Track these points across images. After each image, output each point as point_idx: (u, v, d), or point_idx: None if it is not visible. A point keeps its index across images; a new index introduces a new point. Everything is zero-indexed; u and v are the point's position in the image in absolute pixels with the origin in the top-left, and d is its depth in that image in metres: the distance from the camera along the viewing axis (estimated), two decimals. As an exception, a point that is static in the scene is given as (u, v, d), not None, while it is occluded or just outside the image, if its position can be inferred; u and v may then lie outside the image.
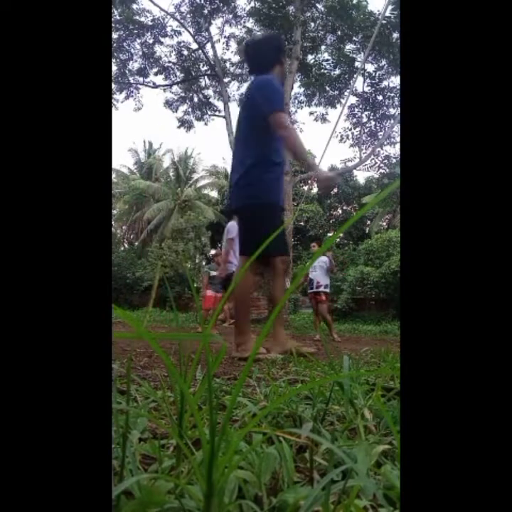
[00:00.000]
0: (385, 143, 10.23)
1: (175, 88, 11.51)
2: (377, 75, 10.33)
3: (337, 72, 10.67)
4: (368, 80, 10.41)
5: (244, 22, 10.61)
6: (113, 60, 10.16)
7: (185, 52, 10.98)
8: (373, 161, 10.52)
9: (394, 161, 10.28)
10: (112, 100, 10.27)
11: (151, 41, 10.64)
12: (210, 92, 11.65)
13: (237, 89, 12.13)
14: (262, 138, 1.93)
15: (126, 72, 10.89)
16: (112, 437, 0.44)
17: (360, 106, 10.69)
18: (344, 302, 11.71)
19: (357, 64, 10.31)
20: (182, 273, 13.36)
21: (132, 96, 11.24)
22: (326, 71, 10.68)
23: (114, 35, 10.01)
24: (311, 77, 10.75)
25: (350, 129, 10.87)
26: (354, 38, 10.05)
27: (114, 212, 20.94)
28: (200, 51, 10.82)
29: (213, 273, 6.30)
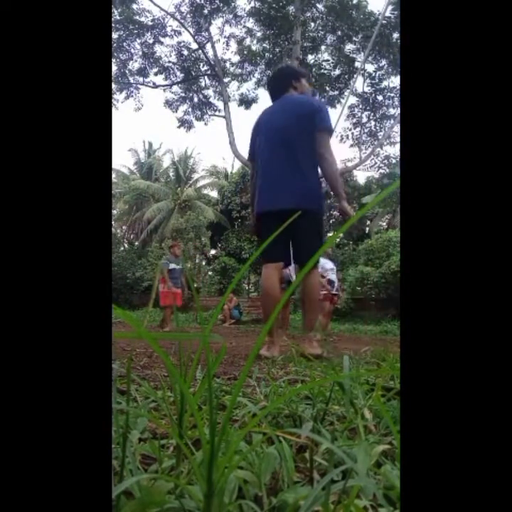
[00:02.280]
0: (385, 143, 10.24)
1: (175, 88, 11.51)
2: (377, 75, 10.33)
3: (337, 72, 10.68)
4: (368, 80, 10.41)
5: (244, 22, 10.60)
6: (113, 60, 10.16)
7: (185, 52, 10.98)
8: (373, 161, 10.53)
9: (394, 161, 10.28)
10: (112, 100, 10.27)
11: (151, 41, 10.64)
12: (210, 92, 11.65)
13: (237, 89, 12.17)
14: (313, 149, 2.06)
15: (126, 72, 10.89)
16: (112, 437, 0.44)
17: (360, 106, 10.70)
18: (344, 302, 11.71)
19: (357, 64, 10.31)
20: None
21: (132, 96, 11.24)
22: (326, 71, 10.68)
23: (114, 35, 10.00)
24: (311, 77, 10.74)
25: (350, 129, 10.88)
26: (354, 38, 10.05)
27: (114, 212, 20.93)
28: (200, 51, 10.82)
29: (173, 266, 5.83)
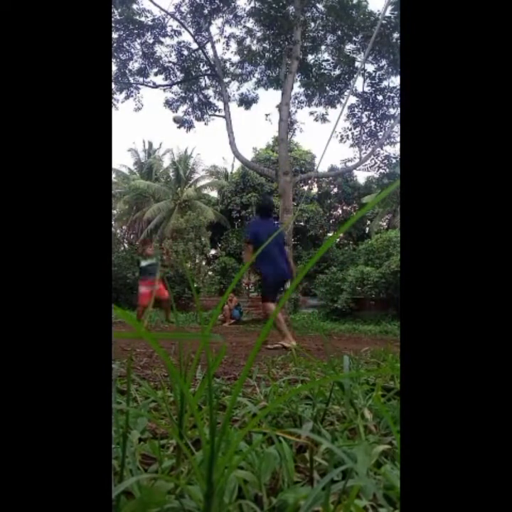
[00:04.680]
0: (385, 143, 10.23)
1: (175, 88, 11.50)
2: (377, 75, 10.32)
3: (337, 72, 10.67)
4: (368, 80, 10.40)
5: (244, 22, 10.59)
6: (113, 60, 10.14)
7: (185, 52, 10.97)
8: (373, 161, 10.51)
9: (394, 161, 10.28)
10: (112, 100, 10.25)
11: (151, 41, 10.62)
12: (210, 92, 11.65)
13: (237, 89, 12.14)
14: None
15: (126, 72, 10.88)
16: (112, 437, 0.44)
17: (360, 106, 10.68)
18: (344, 302, 11.71)
19: (357, 64, 10.30)
20: (182, 273, 13.36)
21: (132, 96, 11.23)
22: (326, 71, 10.67)
23: (114, 35, 9.99)
24: (311, 77, 10.74)
25: (350, 129, 10.87)
26: (354, 38, 10.04)
27: (114, 212, 20.90)
28: (200, 51, 10.81)
29: (143, 263, 5.95)
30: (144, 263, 5.94)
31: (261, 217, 3.98)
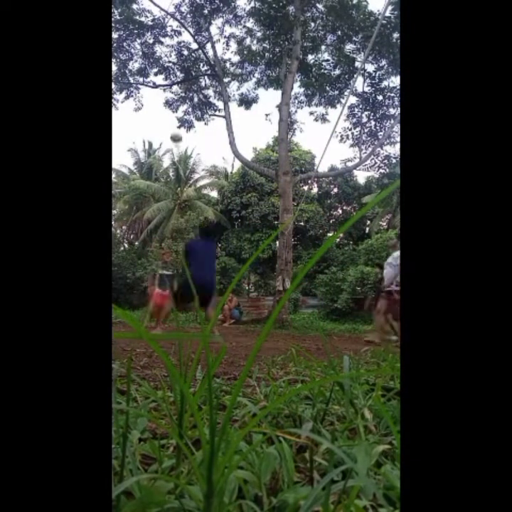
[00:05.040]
0: (385, 143, 10.24)
1: (175, 88, 11.52)
2: (377, 75, 10.33)
3: (337, 72, 10.68)
4: (368, 80, 10.41)
5: (244, 22, 10.60)
6: (113, 60, 10.15)
7: (185, 52, 10.98)
8: (373, 161, 10.52)
9: (394, 161, 10.28)
10: (112, 100, 10.25)
11: (151, 41, 10.63)
12: (210, 92, 11.66)
13: (237, 89, 12.15)
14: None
15: (126, 72, 10.89)
16: (112, 437, 0.44)
17: (360, 106, 10.69)
18: (344, 302, 11.72)
19: (357, 64, 10.31)
20: (182, 273, 13.36)
21: (132, 96, 11.24)
22: (326, 71, 10.68)
23: (114, 35, 9.99)
24: (311, 77, 10.75)
25: (350, 129, 10.87)
26: (354, 38, 10.05)
27: (114, 212, 20.90)
28: (200, 51, 10.82)
29: (160, 272, 6.39)
30: (161, 271, 6.27)
31: (201, 237, 4.91)
